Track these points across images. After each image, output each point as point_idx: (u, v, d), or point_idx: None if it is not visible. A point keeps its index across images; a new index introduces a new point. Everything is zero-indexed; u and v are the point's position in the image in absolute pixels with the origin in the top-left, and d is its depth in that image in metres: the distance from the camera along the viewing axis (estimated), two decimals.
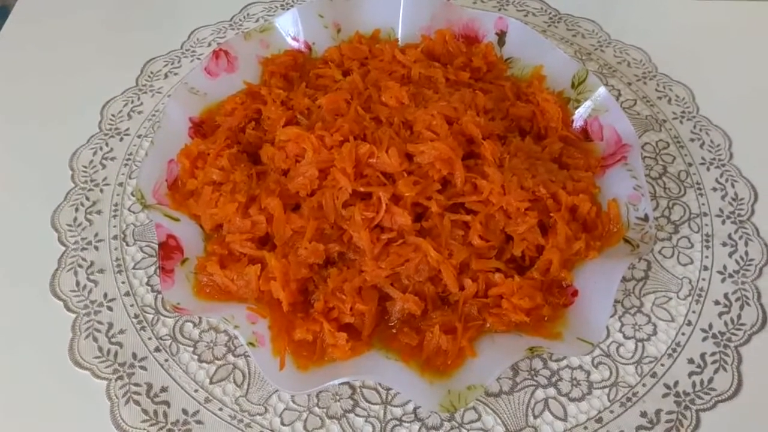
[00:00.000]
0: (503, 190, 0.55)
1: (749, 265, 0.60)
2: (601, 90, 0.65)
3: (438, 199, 0.55)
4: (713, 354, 0.54)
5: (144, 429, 0.50)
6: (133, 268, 0.59)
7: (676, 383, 0.53)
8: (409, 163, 0.57)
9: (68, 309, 0.57)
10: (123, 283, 0.58)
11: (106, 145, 0.69)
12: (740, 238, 0.62)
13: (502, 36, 0.72)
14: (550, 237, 0.55)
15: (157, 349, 0.54)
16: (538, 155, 0.61)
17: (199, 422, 0.51)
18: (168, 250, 0.55)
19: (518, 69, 0.71)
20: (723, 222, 0.63)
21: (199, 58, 0.78)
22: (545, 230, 0.56)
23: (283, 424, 0.51)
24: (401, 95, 0.62)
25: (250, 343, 0.50)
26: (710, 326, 0.56)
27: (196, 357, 0.54)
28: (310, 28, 0.73)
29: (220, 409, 0.51)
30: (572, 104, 0.66)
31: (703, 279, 0.59)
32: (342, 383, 0.52)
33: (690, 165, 0.67)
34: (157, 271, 0.56)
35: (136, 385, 0.52)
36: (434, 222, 0.55)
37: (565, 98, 0.67)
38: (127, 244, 0.61)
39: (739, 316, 0.56)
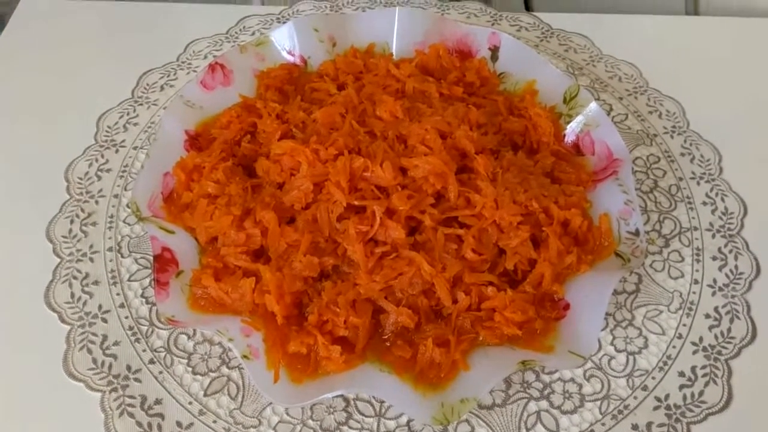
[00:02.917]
0: (496, 204, 0.56)
1: (739, 278, 0.60)
2: (593, 105, 0.65)
3: (431, 213, 0.56)
4: (704, 367, 0.55)
5: None
6: (128, 280, 0.59)
7: (667, 396, 0.53)
8: (403, 177, 0.57)
9: (63, 321, 0.57)
10: (118, 294, 0.58)
11: (102, 156, 0.69)
12: (730, 251, 0.62)
13: (495, 51, 0.73)
14: (542, 251, 0.56)
15: (152, 361, 0.55)
16: (531, 170, 0.61)
17: None
18: (163, 263, 0.55)
19: (511, 84, 0.71)
20: (713, 236, 0.63)
21: (194, 71, 0.78)
22: (537, 244, 0.56)
23: None
24: (395, 109, 0.63)
25: (245, 356, 0.50)
26: (701, 339, 0.56)
27: (190, 369, 0.54)
28: (306, 42, 0.73)
29: (215, 422, 0.51)
30: (564, 119, 0.67)
31: (694, 292, 0.59)
32: (336, 396, 0.52)
33: (680, 179, 0.68)
34: (152, 283, 0.56)
35: (131, 397, 0.52)
36: (428, 236, 0.55)
37: (557, 113, 0.67)
38: (122, 256, 0.61)
39: (729, 330, 0.57)
